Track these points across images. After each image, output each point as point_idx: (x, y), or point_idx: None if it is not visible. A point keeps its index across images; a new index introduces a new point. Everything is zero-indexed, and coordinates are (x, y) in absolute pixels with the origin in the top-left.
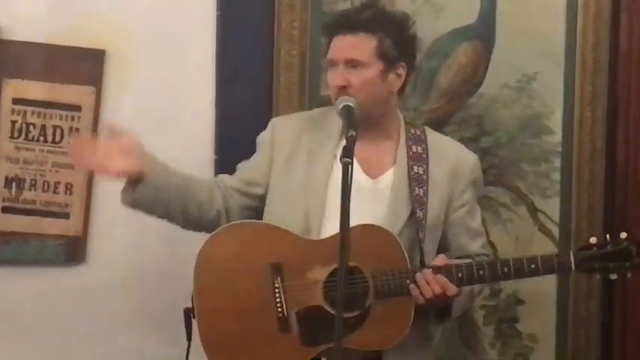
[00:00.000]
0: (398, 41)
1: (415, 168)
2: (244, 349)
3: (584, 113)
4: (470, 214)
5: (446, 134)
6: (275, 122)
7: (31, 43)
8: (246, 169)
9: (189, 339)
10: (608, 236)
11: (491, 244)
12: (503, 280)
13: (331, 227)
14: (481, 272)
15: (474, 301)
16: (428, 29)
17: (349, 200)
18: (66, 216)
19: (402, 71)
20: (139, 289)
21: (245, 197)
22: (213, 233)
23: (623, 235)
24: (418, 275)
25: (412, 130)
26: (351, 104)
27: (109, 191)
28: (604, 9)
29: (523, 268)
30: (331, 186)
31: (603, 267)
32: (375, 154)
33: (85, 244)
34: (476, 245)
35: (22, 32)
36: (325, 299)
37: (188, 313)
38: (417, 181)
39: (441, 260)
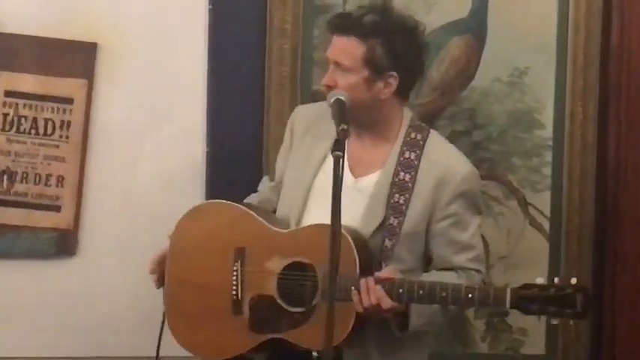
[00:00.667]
0: (392, 51)
1: (402, 174)
2: (199, 322)
3: (576, 108)
4: (456, 226)
5: (437, 128)
6: (297, 110)
7: (23, 35)
8: (278, 161)
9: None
10: (556, 279)
11: (482, 238)
12: (440, 304)
13: (311, 220)
14: (420, 292)
15: (452, 316)
16: None
17: (340, 193)
18: (57, 209)
19: (392, 81)
20: (130, 282)
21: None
22: (194, 207)
23: (573, 280)
24: (362, 282)
25: (412, 135)
26: (342, 98)
27: (101, 184)
28: (595, 4)
29: (460, 297)
30: (319, 179)
31: (542, 309)
32: (368, 154)
33: (76, 237)
34: (461, 258)
35: (14, 25)
36: (278, 291)
37: None
38: (399, 187)
39: (386, 272)
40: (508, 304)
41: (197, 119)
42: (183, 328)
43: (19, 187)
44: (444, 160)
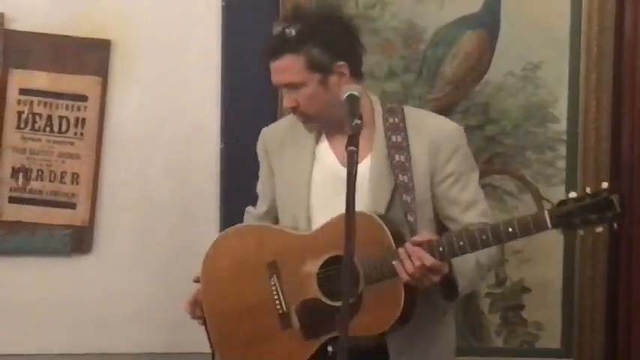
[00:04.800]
0: (327, 45)
1: (397, 157)
2: (251, 350)
3: (590, 101)
4: (457, 184)
5: None
6: (264, 132)
7: (37, 33)
8: (261, 188)
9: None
10: (588, 189)
11: None
12: (483, 247)
13: (321, 215)
14: (461, 243)
15: (485, 274)
16: (432, 17)
17: (354, 190)
18: (72, 206)
19: (343, 69)
20: (144, 279)
21: (266, 217)
22: (213, 243)
23: (605, 184)
24: (400, 250)
25: (390, 120)
26: (356, 93)
27: (116, 181)
28: None
29: (500, 234)
30: (314, 184)
31: (584, 220)
32: None
33: (91, 234)
34: (470, 215)
35: (28, 22)
36: (320, 290)
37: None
38: (400, 168)
39: (423, 235)
40: (550, 225)
41: (211, 115)
42: (236, 358)
43: (34, 184)
44: (429, 124)
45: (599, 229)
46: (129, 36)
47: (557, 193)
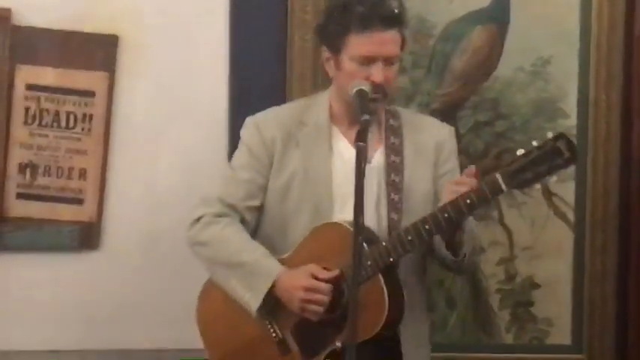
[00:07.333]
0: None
1: (392, 157)
2: None
3: (599, 96)
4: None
5: (460, 118)
6: (259, 122)
7: (44, 28)
8: (254, 179)
9: None
10: (534, 142)
11: (506, 227)
12: (448, 225)
13: (341, 216)
14: (427, 227)
15: (475, 248)
16: (441, 12)
17: (363, 183)
18: (80, 202)
19: None
20: (152, 276)
21: (256, 211)
22: (201, 289)
23: (549, 134)
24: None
25: (391, 122)
26: (364, 88)
27: (123, 177)
28: None
29: (460, 206)
30: (334, 177)
31: (536, 174)
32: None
33: (99, 229)
34: None
35: (35, 18)
36: None
37: None
38: (393, 168)
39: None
40: (505, 187)
41: (220, 111)
42: None
43: (41, 180)
44: (429, 126)
45: (553, 179)
46: (136, 31)
47: (567, 188)
